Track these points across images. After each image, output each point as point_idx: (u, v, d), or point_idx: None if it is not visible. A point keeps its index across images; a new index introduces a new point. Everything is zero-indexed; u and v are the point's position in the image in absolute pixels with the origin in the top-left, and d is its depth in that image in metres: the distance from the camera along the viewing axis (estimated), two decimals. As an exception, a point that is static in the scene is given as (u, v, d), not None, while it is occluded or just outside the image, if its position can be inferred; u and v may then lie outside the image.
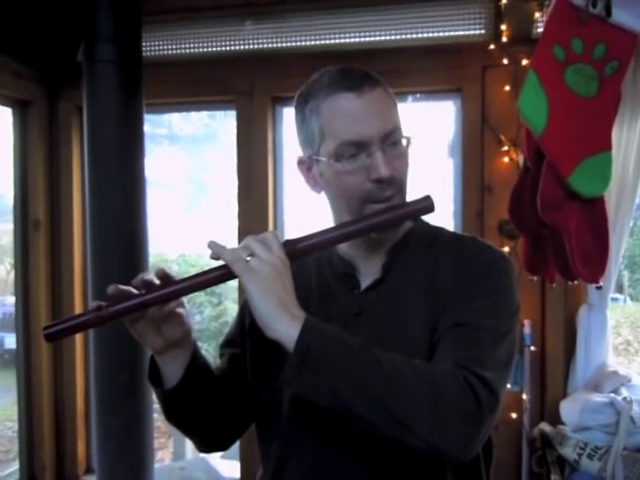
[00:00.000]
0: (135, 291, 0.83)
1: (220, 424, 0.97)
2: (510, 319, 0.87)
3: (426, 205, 0.87)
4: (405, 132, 0.89)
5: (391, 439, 0.77)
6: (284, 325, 0.76)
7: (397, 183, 0.88)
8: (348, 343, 0.78)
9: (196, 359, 0.90)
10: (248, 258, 0.79)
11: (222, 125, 6.35)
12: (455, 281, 0.87)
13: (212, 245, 0.81)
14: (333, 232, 0.87)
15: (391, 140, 0.86)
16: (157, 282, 0.83)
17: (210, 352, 5.67)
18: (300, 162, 0.94)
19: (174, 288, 0.82)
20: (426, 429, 0.75)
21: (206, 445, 1.02)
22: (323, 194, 0.94)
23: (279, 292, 0.77)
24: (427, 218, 1.00)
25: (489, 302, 0.86)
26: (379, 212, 0.87)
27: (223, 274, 0.81)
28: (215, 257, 0.81)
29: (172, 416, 0.94)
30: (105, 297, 0.82)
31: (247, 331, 0.97)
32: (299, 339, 0.75)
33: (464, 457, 0.79)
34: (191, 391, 0.89)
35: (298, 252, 0.84)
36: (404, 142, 0.89)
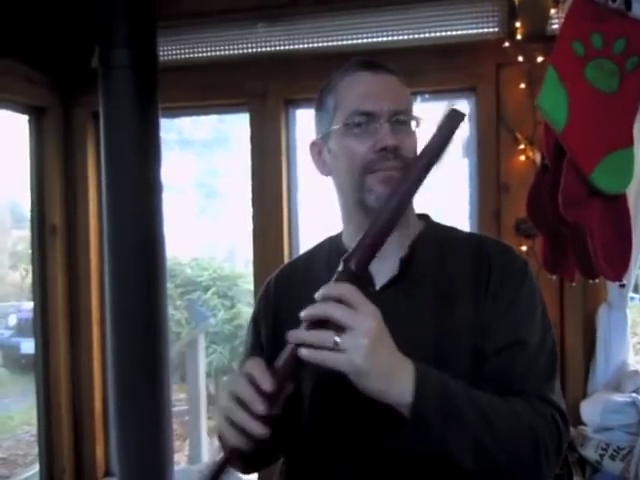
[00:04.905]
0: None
1: (272, 447, 0.94)
2: (551, 326, 0.90)
3: (457, 115, 0.78)
4: (416, 114, 0.91)
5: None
6: (395, 395, 0.73)
7: (402, 157, 0.87)
8: (457, 403, 0.76)
9: None
10: (338, 339, 0.69)
11: (232, 129, 6.37)
12: (486, 286, 0.87)
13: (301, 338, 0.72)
14: (383, 216, 0.77)
15: (400, 117, 0.88)
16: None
17: (224, 355, 5.69)
18: (312, 144, 0.96)
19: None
20: (524, 473, 0.80)
21: (255, 467, 0.99)
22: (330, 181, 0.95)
23: (383, 361, 0.71)
24: (439, 219, 0.99)
25: (533, 314, 0.88)
26: (411, 166, 0.80)
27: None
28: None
29: (247, 467, 0.92)
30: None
31: (265, 343, 0.97)
32: (414, 407, 0.73)
33: None
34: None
35: (364, 272, 0.75)
36: (413, 125, 0.90)
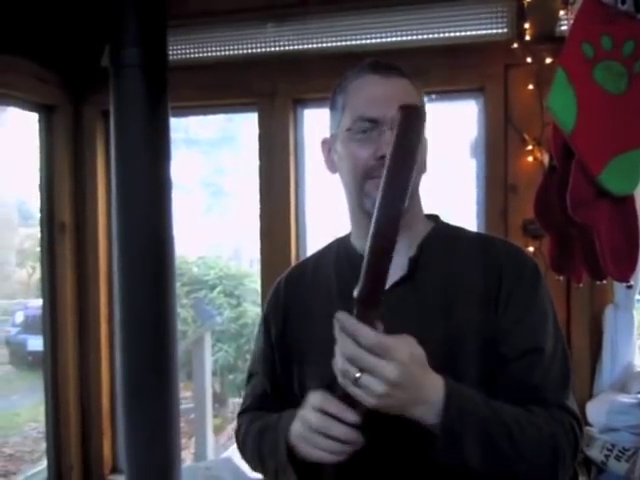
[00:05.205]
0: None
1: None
2: (561, 329, 0.91)
3: (415, 113, 0.70)
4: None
5: None
6: (418, 417, 0.75)
7: None
8: (482, 417, 0.78)
9: None
10: (357, 375, 0.70)
11: (239, 128, 6.38)
12: (497, 290, 0.88)
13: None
14: (379, 242, 0.70)
15: None
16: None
17: (230, 353, 5.71)
18: (323, 142, 0.99)
19: None
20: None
21: None
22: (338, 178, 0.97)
23: (402, 400, 0.72)
24: (446, 219, 1.00)
25: (547, 319, 0.89)
26: (383, 182, 0.70)
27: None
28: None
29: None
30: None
31: (274, 342, 0.99)
32: (441, 424, 0.74)
33: None
34: None
35: (376, 298, 0.72)
36: None
